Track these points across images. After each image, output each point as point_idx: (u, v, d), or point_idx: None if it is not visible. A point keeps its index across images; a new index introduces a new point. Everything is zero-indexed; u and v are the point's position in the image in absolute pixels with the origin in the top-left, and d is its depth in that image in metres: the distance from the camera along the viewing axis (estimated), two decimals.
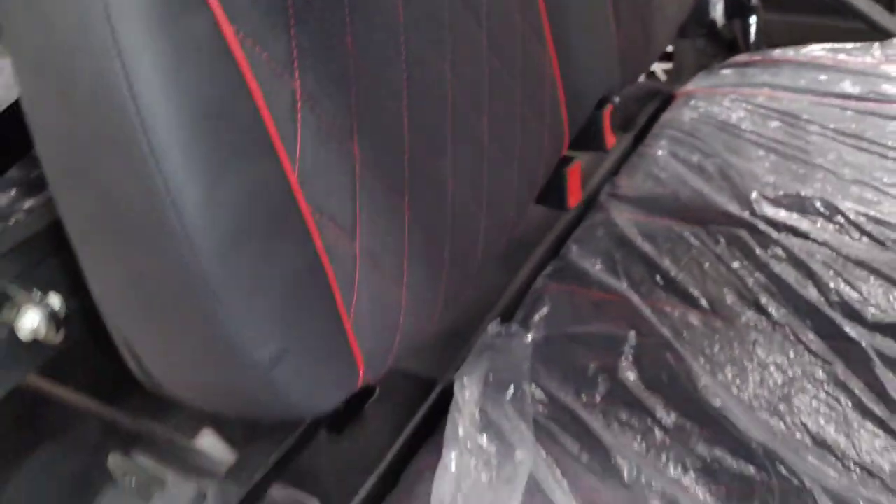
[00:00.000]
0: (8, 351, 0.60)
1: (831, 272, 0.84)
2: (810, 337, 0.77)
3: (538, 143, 0.74)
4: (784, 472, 0.63)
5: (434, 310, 0.63)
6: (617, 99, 1.26)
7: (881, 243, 0.89)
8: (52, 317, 0.54)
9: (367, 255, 0.54)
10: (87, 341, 0.84)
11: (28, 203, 0.83)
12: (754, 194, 0.98)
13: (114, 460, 0.65)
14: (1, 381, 0.68)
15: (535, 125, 0.73)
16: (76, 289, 0.58)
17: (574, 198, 0.86)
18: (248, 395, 0.49)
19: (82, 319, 0.65)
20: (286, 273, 0.48)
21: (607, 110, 0.91)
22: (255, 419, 0.67)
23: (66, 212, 0.48)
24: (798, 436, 0.67)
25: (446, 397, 0.74)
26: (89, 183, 0.45)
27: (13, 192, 0.82)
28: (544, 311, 0.84)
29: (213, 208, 0.43)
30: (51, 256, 0.60)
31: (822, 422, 0.69)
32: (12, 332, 0.55)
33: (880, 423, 0.68)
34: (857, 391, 0.71)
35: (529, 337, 0.80)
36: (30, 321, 0.53)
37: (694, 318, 0.81)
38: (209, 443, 0.76)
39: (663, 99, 1.26)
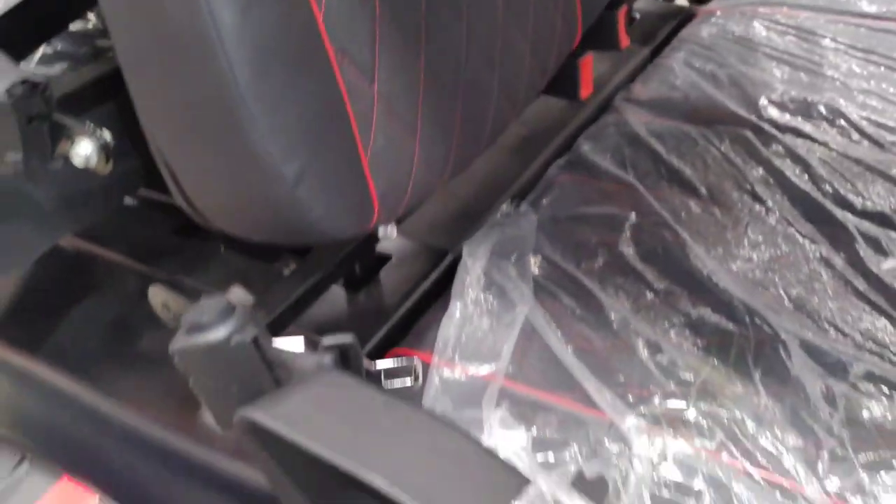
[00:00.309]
0: (63, 183, 0.67)
1: (828, 168, 0.89)
2: (801, 221, 0.82)
3: (551, 25, 0.78)
4: (762, 325, 0.69)
5: (445, 167, 0.69)
6: (637, 16, 1.29)
7: (880, 145, 0.92)
8: (104, 148, 0.61)
9: (384, 101, 0.59)
10: (129, 208, 0.92)
11: None
12: (763, 100, 1.02)
13: (153, 291, 0.72)
14: (57, 228, 0.75)
15: (548, 7, 0.77)
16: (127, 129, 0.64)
17: (586, 89, 0.91)
18: (276, 210, 0.56)
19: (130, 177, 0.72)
20: (311, 101, 0.54)
21: (621, 11, 0.95)
22: (281, 241, 0.73)
23: (121, 45, 0.54)
24: (779, 300, 0.72)
25: (456, 265, 0.80)
26: (142, 10, 0.51)
27: (65, 65, 0.89)
28: (553, 195, 0.89)
29: (246, 29, 0.48)
30: (105, 102, 0.66)
31: (803, 291, 0.74)
32: (67, 161, 0.62)
33: (858, 293, 0.73)
34: (838, 267, 0.76)
35: (536, 216, 0.86)
36: (83, 149, 0.60)
37: (693, 205, 0.86)
38: (238, 295, 0.83)
39: (684, 16, 1.29)
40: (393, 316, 0.77)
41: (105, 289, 0.88)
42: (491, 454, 0.51)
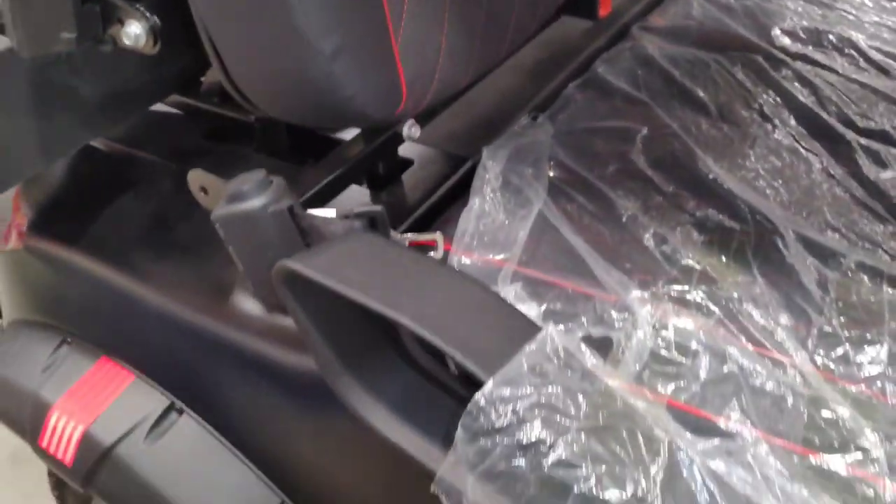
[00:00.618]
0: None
1: (835, 91, 0.92)
2: (806, 138, 0.86)
3: None
4: (763, 223, 0.73)
5: (468, 64, 0.73)
6: None
7: (886, 72, 0.96)
8: (152, 29, 0.65)
9: None
10: (162, 114, 0.96)
11: None
12: (776, 30, 1.05)
13: (192, 176, 0.76)
14: (97, 123, 0.80)
15: None
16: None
17: (604, 8, 0.94)
18: (312, 86, 0.60)
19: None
20: None
21: None
22: (315, 121, 0.78)
23: None
24: (781, 204, 0.77)
25: (476, 170, 0.84)
26: None
27: None
28: (569, 110, 0.93)
29: None
30: None
31: (804, 197, 0.78)
32: (115, 44, 0.66)
33: (856, 199, 0.77)
34: (839, 177, 0.80)
35: (553, 128, 0.90)
36: (133, 29, 0.64)
37: (703, 122, 0.90)
38: None
39: None
40: (415, 212, 0.81)
41: (141, 185, 0.92)
42: (508, 304, 0.56)
